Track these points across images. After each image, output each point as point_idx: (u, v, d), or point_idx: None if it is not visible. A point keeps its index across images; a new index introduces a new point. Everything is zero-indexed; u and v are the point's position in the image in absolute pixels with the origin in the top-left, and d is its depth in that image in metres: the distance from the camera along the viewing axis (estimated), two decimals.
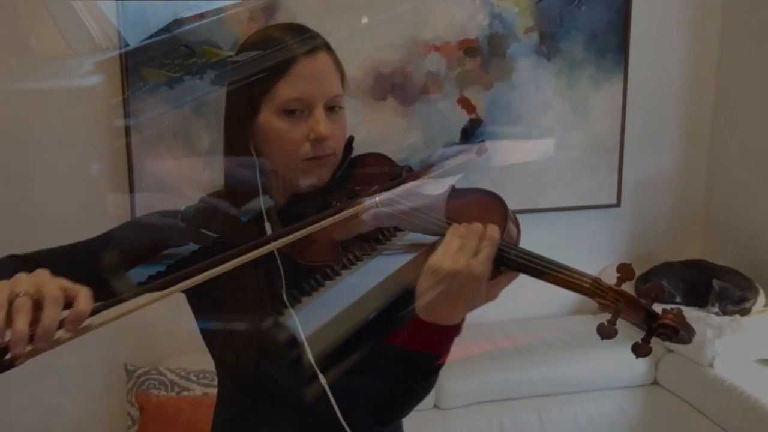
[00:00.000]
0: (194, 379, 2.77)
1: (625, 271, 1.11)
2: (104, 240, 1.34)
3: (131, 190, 2.84)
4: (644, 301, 1.09)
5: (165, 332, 2.92)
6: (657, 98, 3.42)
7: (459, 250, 1.08)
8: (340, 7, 2.94)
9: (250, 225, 1.25)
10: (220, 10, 2.79)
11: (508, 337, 3.17)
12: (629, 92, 3.31)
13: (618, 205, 3.42)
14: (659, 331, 1.07)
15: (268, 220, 1.24)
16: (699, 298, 3.09)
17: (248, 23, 2.85)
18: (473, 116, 3.17)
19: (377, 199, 1.16)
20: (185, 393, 2.73)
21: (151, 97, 2.80)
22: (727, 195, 3.44)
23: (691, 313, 3.00)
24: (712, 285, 3.02)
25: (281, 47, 1.21)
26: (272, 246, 1.08)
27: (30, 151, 2.79)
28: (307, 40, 1.24)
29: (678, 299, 3.14)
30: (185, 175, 2.88)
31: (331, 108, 1.26)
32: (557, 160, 3.30)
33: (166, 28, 2.77)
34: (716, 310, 3.00)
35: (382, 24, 2.98)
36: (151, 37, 2.74)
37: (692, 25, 3.39)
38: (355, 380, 1.20)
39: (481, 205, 1.19)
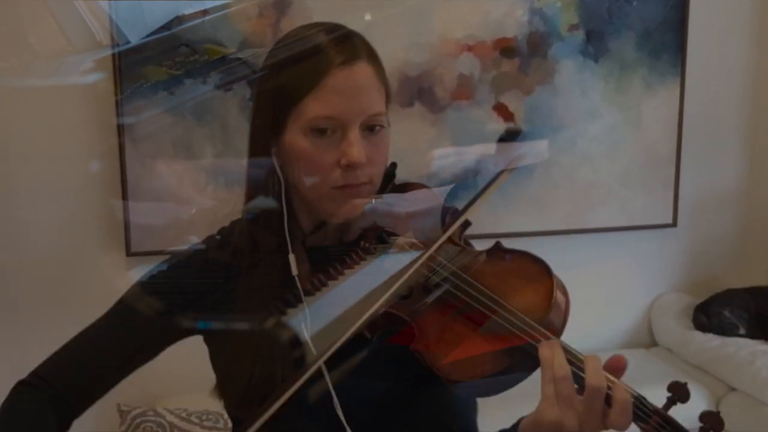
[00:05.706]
0: (196, 420, 2.66)
1: (677, 390, 1.00)
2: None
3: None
4: None
5: (163, 369, 2.79)
6: (718, 104, 3.36)
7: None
8: (360, 0, 2.89)
9: (273, 258, 1.20)
10: (225, 6, 2.75)
11: None
12: (687, 98, 3.24)
13: (674, 224, 3.34)
14: None
15: (292, 251, 1.18)
16: (765, 329, 3.06)
17: (257, 19, 2.79)
18: (511, 125, 3.08)
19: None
20: None
21: (147, 101, 2.74)
22: None
23: (756, 347, 2.98)
24: None
25: (313, 54, 1.12)
26: (316, 365, 1.04)
27: (17, 156, 2.74)
28: (345, 46, 1.14)
29: (742, 331, 3.09)
30: (186, 188, 2.82)
31: (370, 128, 1.15)
32: (606, 174, 3.23)
33: (166, 26, 2.71)
34: None
35: (409, 20, 2.90)
36: (150, 35, 2.70)
37: (757, 22, 3.33)
38: None
39: (525, 274, 1.12)
